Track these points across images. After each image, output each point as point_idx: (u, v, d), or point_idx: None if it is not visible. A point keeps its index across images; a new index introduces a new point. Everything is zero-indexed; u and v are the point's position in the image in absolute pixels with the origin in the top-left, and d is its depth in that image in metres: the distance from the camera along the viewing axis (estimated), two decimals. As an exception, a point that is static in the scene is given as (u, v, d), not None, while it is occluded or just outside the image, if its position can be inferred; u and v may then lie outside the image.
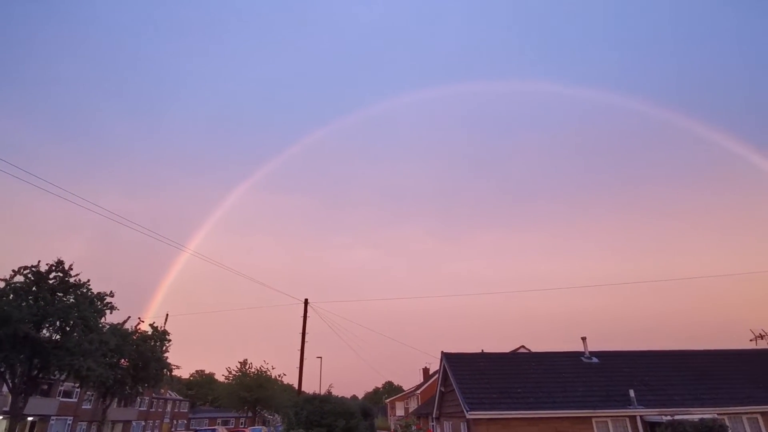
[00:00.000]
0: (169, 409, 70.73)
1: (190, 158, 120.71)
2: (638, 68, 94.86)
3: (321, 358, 50.30)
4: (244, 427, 52.62)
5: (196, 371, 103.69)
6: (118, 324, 30.45)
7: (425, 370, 52.90)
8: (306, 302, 28.25)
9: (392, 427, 51.59)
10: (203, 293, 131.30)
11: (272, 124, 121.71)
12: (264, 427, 55.10)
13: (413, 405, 49.51)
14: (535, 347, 34.52)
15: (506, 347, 36.37)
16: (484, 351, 24.42)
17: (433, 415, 23.86)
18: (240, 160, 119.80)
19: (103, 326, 26.89)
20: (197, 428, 59.76)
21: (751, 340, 21.85)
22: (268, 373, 55.89)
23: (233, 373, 55.48)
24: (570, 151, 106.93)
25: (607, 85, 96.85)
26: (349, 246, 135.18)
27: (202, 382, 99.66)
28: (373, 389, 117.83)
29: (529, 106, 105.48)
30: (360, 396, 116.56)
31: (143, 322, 34.31)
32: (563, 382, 17.94)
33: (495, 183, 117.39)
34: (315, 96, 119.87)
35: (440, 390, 22.18)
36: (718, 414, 15.33)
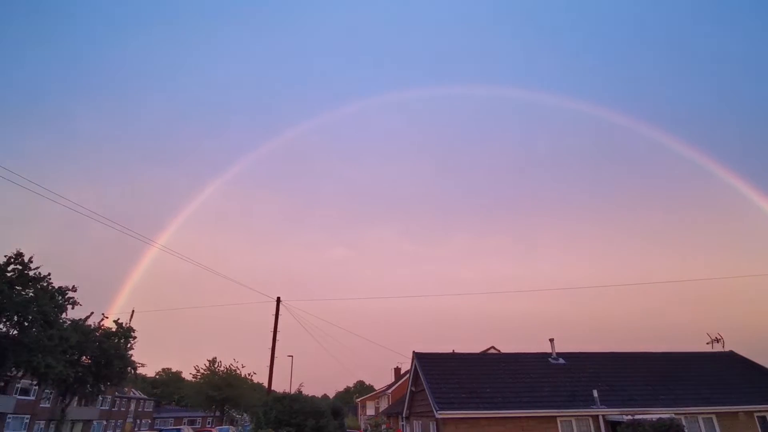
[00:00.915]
0: (132, 408, 68.70)
1: (162, 152, 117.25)
2: (616, 81, 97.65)
3: (292, 356, 49.75)
4: (211, 427, 51.56)
5: (163, 369, 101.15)
6: (80, 320, 29.39)
7: (397, 370, 53.08)
8: (278, 300, 27.94)
9: (362, 427, 51.58)
10: (172, 290, 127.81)
11: (248, 119, 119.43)
12: (232, 427, 54.10)
13: (384, 404, 49.63)
14: (505, 348, 35.04)
15: (477, 348, 36.84)
16: (455, 351, 24.72)
17: (404, 415, 23.99)
18: (214, 156, 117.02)
19: (64, 322, 25.91)
20: (162, 428, 58.18)
21: (707, 344, 22.83)
22: (238, 371, 54.97)
23: (201, 371, 54.31)
24: (542, 160, 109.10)
25: (583, 96, 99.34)
26: (322, 245, 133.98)
27: (169, 380, 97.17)
28: (344, 388, 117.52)
29: (507, 113, 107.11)
30: (331, 395, 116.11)
31: (107, 318, 33.17)
32: (531, 382, 18.35)
33: (468, 187, 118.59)
34: (292, 92, 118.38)
35: (411, 390, 22.32)
36: (675, 414, 15.95)
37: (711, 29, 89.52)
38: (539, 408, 16.41)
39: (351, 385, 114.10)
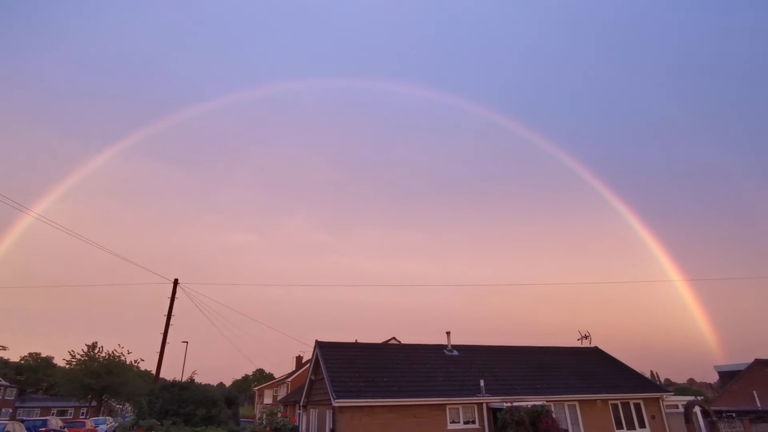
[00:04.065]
0: (-12, 396, 60.09)
1: (49, 111, 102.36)
2: (528, 97, 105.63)
3: (187, 342, 46.83)
4: (85, 418, 46.80)
5: (30, 354, 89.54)
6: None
7: (298, 359, 52.63)
8: (175, 282, 26.14)
9: (257, 415, 50.46)
10: (48, 266, 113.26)
11: (157, 82, 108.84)
12: (110, 418, 49.58)
13: (283, 393, 48.98)
14: (406, 339, 36.56)
15: (379, 338, 37.91)
16: (358, 341, 25.16)
17: (301, 403, 23.90)
18: (110, 120, 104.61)
19: None
20: (25, 418, 51.46)
21: (578, 339, 25.86)
22: (122, 358, 50.46)
23: (78, 357, 48.94)
24: (457, 164, 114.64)
25: (497, 107, 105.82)
26: (228, 228, 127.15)
27: (37, 366, 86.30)
28: (243, 376, 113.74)
29: (428, 115, 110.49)
30: (228, 383, 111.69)
31: (-40, 293, 28.44)
32: (426, 372, 19.34)
33: (385, 182, 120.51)
34: (207, 63, 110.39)
35: (310, 378, 22.30)
36: (546, 401, 17.92)
37: (590, 47, 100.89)
38: (431, 396, 17.38)
39: (250, 373, 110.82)
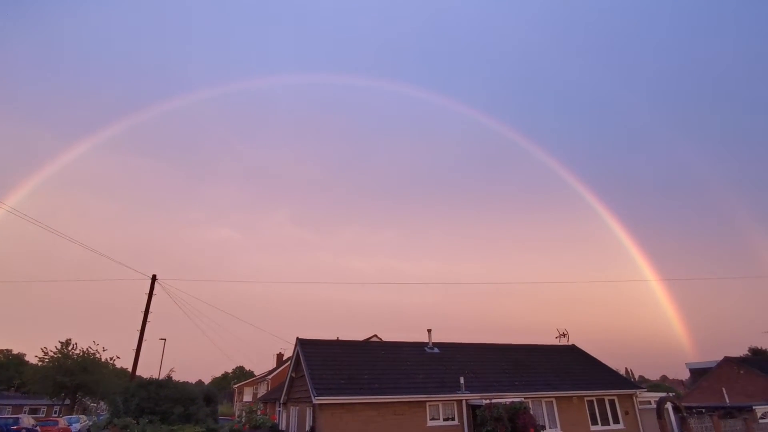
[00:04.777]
0: (-45, 395, 58.04)
1: (20, 96, 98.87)
2: (510, 97, 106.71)
3: (165, 339, 46.06)
4: (58, 417, 45.57)
5: (0, 351, 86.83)
6: None
7: (279, 356, 52.24)
8: (154, 278, 25.67)
9: (236, 413, 49.96)
10: (20, 260, 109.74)
11: (139, 75, 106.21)
12: (83, 416, 48.40)
13: (263, 390, 48.61)
14: (387, 336, 36.64)
15: (361, 336, 37.91)
16: (339, 339, 25.12)
17: (281, 401, 23.75)
18: (86, 112, 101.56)
19: None
20: (-6, 417, 49.88)
21: (556, 338, 26.32)
22: (98, 355, 49.30)
23: (51, 354, 47.64)
24: (440, 162, 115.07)
25: (482, 107, 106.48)
26: (208, 224, 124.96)
27: (8, 363, 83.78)
28: (222, 374, 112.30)
29: (407, 111, 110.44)
30: (207, 381, 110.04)
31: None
32: (406, 369, 19.42)
33: (369, 178, 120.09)
34: (191, 57, 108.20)
35: (291, 376, 22.18)
36: (524, 398, 18.20)
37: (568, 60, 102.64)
38: (411, 394, 17.47)
39: (230, 370, 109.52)
